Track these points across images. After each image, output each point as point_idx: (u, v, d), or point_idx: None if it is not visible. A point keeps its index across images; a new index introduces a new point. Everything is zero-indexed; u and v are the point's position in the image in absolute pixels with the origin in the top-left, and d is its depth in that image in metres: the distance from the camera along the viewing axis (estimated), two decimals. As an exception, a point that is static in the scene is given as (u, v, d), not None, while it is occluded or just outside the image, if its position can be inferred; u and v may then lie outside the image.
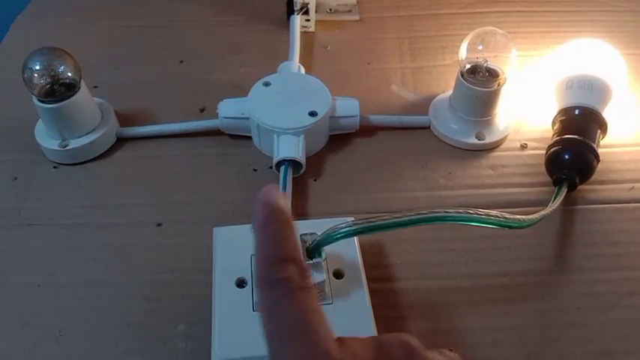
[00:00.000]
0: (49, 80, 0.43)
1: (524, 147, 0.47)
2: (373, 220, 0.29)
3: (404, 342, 0.24)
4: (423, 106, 0.51)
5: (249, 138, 0.47)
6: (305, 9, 0.58)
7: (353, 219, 0.30)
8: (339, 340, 0.23)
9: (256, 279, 0.25)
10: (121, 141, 0.47)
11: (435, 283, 0.38)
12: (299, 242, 0.26)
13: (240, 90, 0.47)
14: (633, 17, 0.61)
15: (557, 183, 0.42)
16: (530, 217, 0.34)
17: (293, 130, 0.44)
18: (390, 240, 0.40)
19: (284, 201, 0.26)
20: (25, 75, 0.42)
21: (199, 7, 0.62)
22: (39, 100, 0.43)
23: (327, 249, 0.32)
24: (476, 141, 0.47)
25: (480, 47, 0.45)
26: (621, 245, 0.40)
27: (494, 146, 0.47)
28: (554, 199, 0.40)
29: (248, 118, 0.45)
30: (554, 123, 0.45)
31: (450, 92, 0.49)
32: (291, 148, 0.43)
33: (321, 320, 0.23)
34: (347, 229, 0.30)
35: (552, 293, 0.38)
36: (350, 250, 0.36)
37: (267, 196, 0.26)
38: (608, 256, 0.40)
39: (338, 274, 0.34)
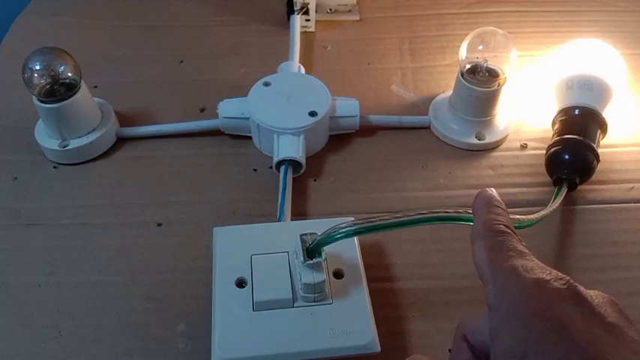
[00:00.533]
0: (49, 80, 0.43)
1: (524, 147, 0.47)
2: (373, 220, 0.29)
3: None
4: (423, 106, 0.51)
5: (249, 138, 0.47)
6: (305, 9, 0.58)
7: (353, 219, 0.31)
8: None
9: (479, 232, 0.28)
10: (121, 141, 0.47)
11: (435, 283, 0.38)
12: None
13: (240, 90, 0.47)
14: (633, 17, 0.61)
15: (557, 183, 0.42)
16: (530, 217, 0.34)
17: (293, 130, 0.44)
18: (390, 240, 0.40)
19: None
20: (25, 75, 0.42)
21: (199, 7, 0.62)
22: (39, 100, 0.43)
23: (327, 249, 0.32)
24: (476, 141, 0.47)
25: (480, 47, 0.45)
26: (621, 245, 0.40)
27: (494, 146, 0.47)
28: (554, 199, 0.40)
29: (248, 118, 0.45)
30: (554, 123, 0.45)
31: (450, 92, 0.49)
32: (291, 148, 0.43)
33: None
34: (347, 229, 0.30)
35: (552, 293, 0.38)
36: (350, 250, 0.36)
37: (488, 192, 0.31)
38: (608, 256, 0.40)
39: (338, 274, 0.34)
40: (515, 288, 0.24)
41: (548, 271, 0.24)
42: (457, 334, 0.27)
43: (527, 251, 0.26)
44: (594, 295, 0.24)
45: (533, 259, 0.26)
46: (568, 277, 0.24)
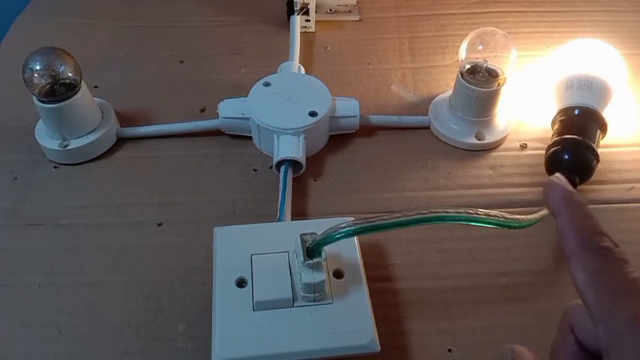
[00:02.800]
0: (49, 80, 0.43)
1: (523, 147, 0.47)
2: (373, 220, 0.29)
3: None
4: (422, 106, 0.51)
5: (249, 138, 0.47)
6: (305, 9, 0.58)
7: (353, 219, 0.30)
8: None
9: (573, 245, 0.25)
10: (121, 141, 0.47)
11: (435, 283, 0.38)
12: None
13: (241, 90, 0.48)
14: (633, 17, 0.61)
15: (557, 183, 0.42)
16: (530, 217, 0.34)
17: (293, 130, 0.44)
18: (390, 240, 0.40)
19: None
20: (25, 75, 0.42)
21: (199, 7, 0.62)
22: (39, 100, 0.43)
23: (327, 249, 0.32)
24: (476, 141, 0.47)
25: (480, 47, 0.45)
26: (621, 245, 0.40)
27: (494, 146, 0.47)
28: (554, 199, 0.40)
29: (248, 118, 0.45)
30: (553, 123, 0.45)
31: (449, 92, 0.49)
32: (291, 148, 0.43)
33: None
34: (347, 229, 0.30)
35: (552, 293, 0.38)
36: (350, 250, 0.36)
37: (561, 181, 0.28)
38: (608, 256, 0.40)
39: (338, 274, 0.34)
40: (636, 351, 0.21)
41: None
42: (564, 320, 0.27)
43: (637, 275, 0.24)
44: None
45: None
46: None
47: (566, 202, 0.27)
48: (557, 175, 0.29)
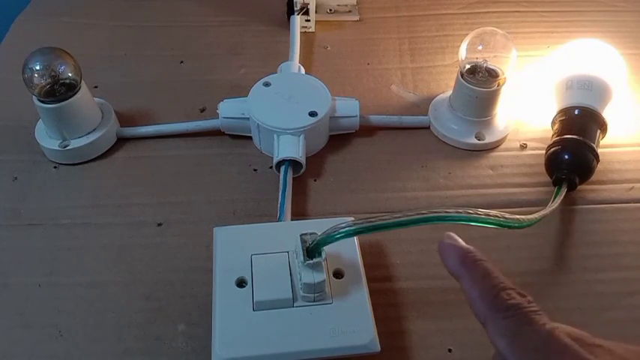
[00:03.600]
0: (49, 80, 0.43)
1: (523, 147, 0.47)
2: (373, 220, 0.29)
3: None
4: (423, 106, 0.51)
5: (249, 138, 0.47)
6: (305, 9, 0.58)
7: (353, 219, 0.30)
8: (594, 347, 0.23)
9: (480, 310, 0.26)
10: (121, 141, 0.47)
11: (435, 283, 0.38)
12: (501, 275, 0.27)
13: (241, 90, 0.48)
14: (633, 17, 0.61)
15: (556, 183, 0.42)
16: (530, 217, 0.34)
17: (293, 130, 0.44)
18: (390, 240, 0.40)
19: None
20: (25, 75, 0.42)
21: (199, 7, 0.62)
22: (39, 100, 0.43)
23: (327, 249, 0.32)
24: (476, 141, 0.47)
25: (480, 47, 0.45)
26: (621, 245, 0.41)
27: (493, 146, 0.47)
28: (554, 199, 0.40)
29: (248, 118, 0.45)
30: (553, 123, 0.45)
31: (449, 92, 0.49)
32: (291, 148, 0.43)
33: (567, 337, 0.23)
34: (347, 229, 0.30)
35: (552, 293, 0.38)
36: (350, 250, 0.36)
37: (454, 241, 0.29)
38: (608, 256, 0.40)
39: (338, 274, 0.34)
40: None
41: None
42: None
43: (550, 327, 0.24)
44: None
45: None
46: None
47: (463, 264, 0.27)
48: (449, 234, 0.29)
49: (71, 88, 0.43)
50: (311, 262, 0.32)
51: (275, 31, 0.59)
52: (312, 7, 0.58)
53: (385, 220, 0.29)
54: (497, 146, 0.47)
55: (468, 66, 0.45)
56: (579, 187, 0.42)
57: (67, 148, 0.44)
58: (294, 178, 0.43)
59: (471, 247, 0.28)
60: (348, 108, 0.47)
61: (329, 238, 0.30)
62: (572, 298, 0.37)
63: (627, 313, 0.37)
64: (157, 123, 0.48)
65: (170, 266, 0.39)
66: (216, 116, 0.46)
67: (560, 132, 0.43)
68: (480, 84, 0.45)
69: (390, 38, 0.58)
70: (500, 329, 0.24)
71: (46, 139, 0.45)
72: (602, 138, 0.44)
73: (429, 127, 0.49)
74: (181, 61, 0.55)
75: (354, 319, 0.32)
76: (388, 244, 0.40)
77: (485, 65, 0.45)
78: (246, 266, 0.34)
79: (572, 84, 0.45)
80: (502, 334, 0.24)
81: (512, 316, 0.24)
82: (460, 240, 0.29)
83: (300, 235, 0.32)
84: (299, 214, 0.42)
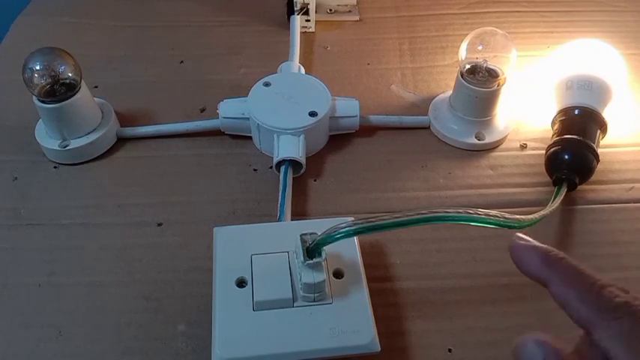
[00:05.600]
0: (49, 80, 0.43)
1: (523, 147, 0.47)
2: (373, 220, 0.29)
3: None
4: (423, 106, 0.51)
5: (249, 138, 0.47)
6: (305, 9, 0.58)
7: (353, 219, 0.30)
8: None
9: (584, 315, 0.23)
10: (121, 141, 0.47)
11: (435, 283, 0.38)
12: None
13: (240, 90, 0.48)
14: (633, 17, 0.61)
15: (556, 183, 0.42)
16: (530, 217, 0.34)
17: (293, 130, 0.44)
18: (390, 240, 0.40)
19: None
20: (25, 75, 0.42)
21: (199, 7, 0.62)
22: (39, 100, 0.43)
23: (327, 249, 0.32)
24: (476, 141, 0.47)
25: (480, 47, 0.45)
26: (621, 245, 0.40)
27: (493, 146, 0.47)
28: (554, 199, 0.40)
29: (248, 118, 0.45)
30: (553, 123, 0.45)
31: (449, 92, 0.49)
32: (291, 148, 0.43)
33: None
34: (347, 229, 0.30)
35: (552, 293, 0.38)
36: (350, 250, 0.36)
37: (527, 242, 0.26)
38: (608, 256, 0.40)
39: (338, 274, 0.34)
40: None
41: None
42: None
43: None
44: None
45: None
46: None
47: (548, 266, 0.25)
48: (519, 235, 0.26)
49: (71, 88, 0.43)
50: (311, 262, 0.32)
51: (275, 31, 0.59)
52: (312, 7, 0.58)
53: (385, 220, 0.29)
54: (497, 146, 0.47)
55: (468, 66, 0.45)
56: (579, 187, 0.42)
57: (67, 148, 0.44)
58: (294, 178, 0.43)
59: (548, 246, 0.25)
60: (348, 108, 0.47)
61: (329, 238, 0.30)
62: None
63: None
64: (157, 123, 0.48)
65: (170, 266, 0.39)
66: (216, 116, 0.46)
67: (560, 132, 0.43)
68: (480, 84, 0.45)
69: (390, 38, 0.58)
70: (613, 332, 0.21)
71: (46, 139, 0.45)
72: (602, 138, 0.44)
73: (429, 127, 0.49)
74: (181, 61, 0.55)
75: (354, 319, 0.32)
76: (388, 244, 0.40)
77: (485, 65, 0.45)
78: (246, 266, 0.34)
79: (572, 84, 0.45)
80: (616, 338, 0.21)
81: (624, 315, 0.21)
82: (532, 240, 0.26)
83: (300, 235, 0.32)
84: (299, 214, 0.42)
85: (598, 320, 0.22)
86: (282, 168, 0.43)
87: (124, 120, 0.49)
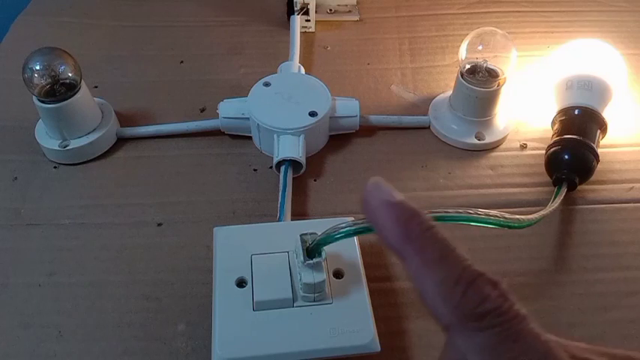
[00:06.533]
0: (49, 80, 0.43)
1: (523, 147, 0.47)
2: (373, 219, 0.29)
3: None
4: (422, 106, 0.51)
5: (249, 138, 0.47)
6: (305, 9, 0.58)
7: (353, 219, 0.30)
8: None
9: (443, 313, 0.18)
10: (121, 141, 0.47)
11: (434, 283, 0.38)
12: (461, 249, 0.19)
13: (240, 90, 0.48)
14: (633, 17, 0.61)
15: (556, 183, 0.42)
16: (530, 217, 0.34)
17: (293, 130, 0.44)
18: (390, 240, 0.40)
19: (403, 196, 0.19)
20: (25, 75, 0.42)
21: (199, 7, 0.62)
22: (39, 100, 0.43)
23: (327, 249, 0.32)
24: (476, 141, 0.47)
25: (480, 47, 0.45)
26: (621, 245, 0.40)
27: (493, 146, 0.47)
28: (554, 199, 0.40)
29: (248, 118, 0.45)
30: (553, 123, 0.45)
31: (449, 92, 0.49)
32: (291, 148, 0.43)
33: (555, 342, 0.18)
34: (347, 229, 0.30)
35: (552, 293, 0.38)
36: (350, 250, 0.36)
37: (386, 194, 0.19)
38: (608, 256, 0.40)
39: (338, 274, 0.34)
40: None
41: None
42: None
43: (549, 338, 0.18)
44: None
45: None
46: None
47: (408, 238, 0.18)
48: (376, 179, 0.20)
49: (71, 88, 0.43)
50: (311, 262, 0.32)
51: (275, 31, 0.59)
52: (312, 7, 0.58)
53: (385, 220, 0.29)
54: (497, 146, 0.47)
55: (468, 66, 0.45)
56: (579, 187, 0.42)
57: (67, 148, 0.44)
58: (294, 178, 0.43)
59: (412, 206, 0.19)
60: (348, 108, 0.47)
61: (329, 238, 0.30)
62: (572, 298, 0.37)
63: (627, 313, 0.37)
64: (156, 123, 0.48)
65: (170, 266, 0.39)
66: (216, 116, 0.46)
67: (560, 132, 0.43)
68: (480, 84, 0.45)
69: (390, 38, 0.58)
70: (473, 345, 0.18)
71: (46, 139, 0.45)
72: (602, 138, 0.44)
73: (429, 127, 0.49)
74: (181, 61, 0.55)
75: (354, 319, 0.32)
76: (388, 244, 0.40)
77: (485, 65, 0.45)
78: (246, 266, 0.34)
79: (572, 84, 0.45)
80: (476, 352, 0.18)
81: (490, 327, 0.18)
82: (394, 190, 0.20)
83: (300, 235, 0.32)
84: (299, 214, 0.42)
85: (458, 326, 0.18)
86: (282, 168, 0.43)
87: (124, 120, 0.49)
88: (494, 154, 0.47)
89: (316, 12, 0.59)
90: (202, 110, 0.50)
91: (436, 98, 0.50)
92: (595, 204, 0.43)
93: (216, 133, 0.47)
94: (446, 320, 0.18)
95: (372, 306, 0.33)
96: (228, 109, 0.46)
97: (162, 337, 0.35)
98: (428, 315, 0.36)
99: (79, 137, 0.45)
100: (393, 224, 0.19)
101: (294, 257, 0.34)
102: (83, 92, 0.44)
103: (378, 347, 0.32)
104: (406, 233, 0.19)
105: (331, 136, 0.47)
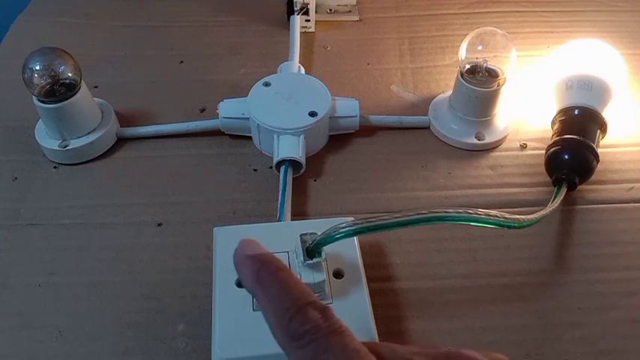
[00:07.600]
0: (49, 80, 0.43)
1: (523, 147, 0.47)
2: (373, 220, 0.29)
3: (469, 357, 0.22)
4: (422, 106, 0.51)
5: (249, 138, 0.47)
6: (305, 9, 0.58)
7: (353, 219, 0.30)
8: None
9: (279, 339, 0.22)
10: (121, 141, 0.47)
11: (435, 283, 0.38)
12: (302, 282, 0.24)
13: (240, 90, 0.48)
14: (633, 17, 0.61)
15: (556, 183, 0.42)
16: (529, 217, 0.34)
17: (293, 130, 0.44)
18: (390, 240, 0.40)
19: (265, 248, 0.25)
20: (25, 75, 0.42)
21: (199, 7, 0.62)
22: (39, 100, 0.43)
23: (327, 249, 0.32)
24: (475, 141, 0.47)
25: (480, 47, 0.45)
26: (621, 245, 0.40)
27: (493, 146, 0.47)
28: (554, 199, 0.40)
29: (248, 118, 0.45)
30: (553, 123, 0.45)
31: (449, 92, 0.49)
32: (291, 148, 0.43)
33: (365, 352, 0.21)
34: (347, 229, 0.30)
35: (552, 293, 0.38)
36: (350, 250, 0.36)
37: (249, 249, 0.25)
38: (608, 256, 0.40)
39: (338, 274, 0.34)
40: None
41: None
42: None
43: (356, 346, 0.21)
44: None
45: None
46: None
47: (259, 281, 0.24)
48: (247, 240, 0.25)
49: (71, 88, 0.43)
50: (311, 262, 0.32)
51: (275, 31, 0.59)
52: (312, 7, 0.58)
53: (385, 220, 0.29)
54: (497, 146, 0.47)
55: (467, 66, 0.45)
56: (579, 187, 0.42)
57: (67, 148, 0.45)
58: (294, 178, 0.43)
59: (270, 255, 0.24)
60: (348, 108, 0.47)
61: (329, 238, 0.30)
62: (572, 298, 0.37)
63: (627, 313, 0.37)
64: (157, 123, 0.48)
65: (170, 266, 0.39)
66: (216, 116, 0.46)
67: (560, 132, 0.43)
68: (480, 84, 0.45)
69: (390, 38, 0.58)
70: None
71: (46, 139, 0.45)
72: (602, 138, 0.44)
73: (429, 127, 0.49)
74: (181, 61, 0.55)
75: (354, 319, 0.32)
76: (388, 244, 0.40)
77: (485, 65, 0.45)
78: (246, 266, 0.34)
79: (572, 84, 0.45)
80: None
81: (307, 344, 0.21)
82: (261, 244, 0.25)
83: (300, 235, 0.32)
84: (299, 214, 0.42)
85: (287, 348, 0.22)
86: (282, 168, 0.43)
87: (124, 120, 0.49)
88: (494, 154, 0.47)
89: (316, 12, 0.59)
90: (202, 110, 0.50)
91: (436, 98, 0.50)
92: (595, 204, 0.43)
93: (216, 133, 0.47)
94: (281, 344, 0.22)
95: (372, 306, 0.33)
96: (228, 109, 0.46)
97: (162, 337, 0.35)
98: (428, 315, 0.36)
99: (79, 137, 0.45)
100: (248, 271, 0.24)
101: (294, 257, 0.34)
102: (83, 92, 0.44)
103: (378, 347, 0.32)
104: (257, 277, 0.24)
105: (331, 136, 0.47)
